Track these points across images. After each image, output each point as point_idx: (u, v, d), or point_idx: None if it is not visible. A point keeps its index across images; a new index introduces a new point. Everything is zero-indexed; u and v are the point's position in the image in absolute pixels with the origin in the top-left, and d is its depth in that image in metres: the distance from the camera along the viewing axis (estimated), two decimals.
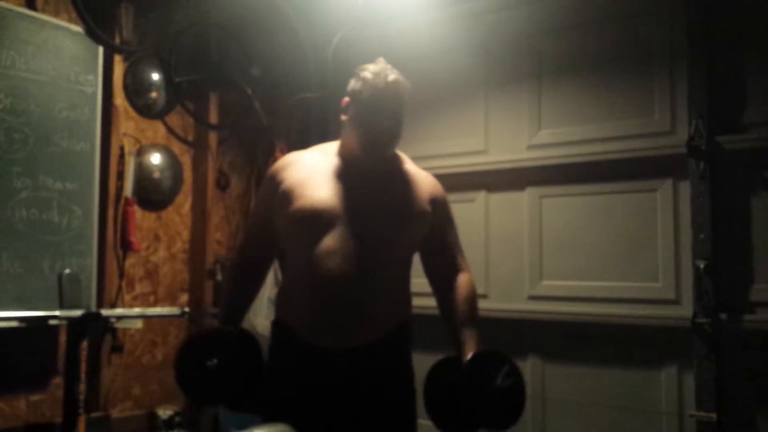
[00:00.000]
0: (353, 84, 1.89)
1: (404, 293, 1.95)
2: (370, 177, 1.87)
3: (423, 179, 1.98)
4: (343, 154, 1.92)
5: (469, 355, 1.79)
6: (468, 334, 1.86)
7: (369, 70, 1.86)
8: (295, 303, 1.86)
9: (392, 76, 1.84)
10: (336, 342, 1.80)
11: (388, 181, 1.90)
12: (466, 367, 1.77)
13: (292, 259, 1.91)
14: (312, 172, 1.89)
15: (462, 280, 1.96)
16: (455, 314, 1.91)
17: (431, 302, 1.97)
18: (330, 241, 1.78)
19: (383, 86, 1.83)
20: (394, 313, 1.89)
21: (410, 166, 2.00)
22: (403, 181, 1.92)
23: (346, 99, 1.91)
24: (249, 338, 1.93)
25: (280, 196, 1.87)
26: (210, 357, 1.80)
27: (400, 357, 1.94)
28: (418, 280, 2.01)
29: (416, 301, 2.02)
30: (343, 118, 1.91)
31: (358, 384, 1.83)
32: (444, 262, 1.98)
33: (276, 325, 1.96)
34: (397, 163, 1.97)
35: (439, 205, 1.96)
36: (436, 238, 1.95)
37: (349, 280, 1.76)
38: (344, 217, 1.80)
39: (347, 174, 1.88)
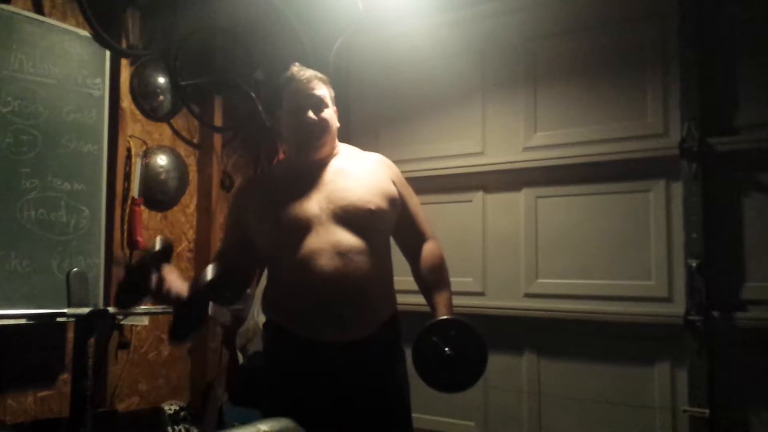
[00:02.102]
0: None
1: (390, 282, 1.99)
2: (330, 174, 1.93)
3: (378, 163, 2.03)
4: (296, 161, 1.99)
5: (430, 322, 1.86)
6: (437, 299, 1.93)
7: (285, 74, 1.96)
8: (287, 304, 1.89)
9: (306, 74, 1.93)
10: (332, 337, 1.83)
11: (348, 174, 1.94)
12: (421, 336, 1.84)
13: (276, 265, 1.94)
14: (277, 187, 1.96)
15: (426, 248, 2.02)
16: (424, 283, 1.98)
17: (418, 299, 2.02)
18: (311, 243, 1.82)
19: (298, 85, 1.92)
20: (385, 303, 1.94)
21: (359, 153, 2.05)
22: (361, 169, 1.96)
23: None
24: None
25: (251, 216, 1.94)
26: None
27: (394, 350, 1.98)
28: (404, 278, 2.06)
29: (403, 298, 2.07)
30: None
31: (354, 377, 1.86)
32: (411, 233, 2.03)
33: (268, 326, 2.00)
34: (347, 154, 2.03)
35: (398, 183, 2.01)
36: (402, 213, 2.00)
37: (337, 277, 1.80)
38: (318, 218, 1.84)
39: (309, 178, 1.92)
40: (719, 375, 2.80)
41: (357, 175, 1.94)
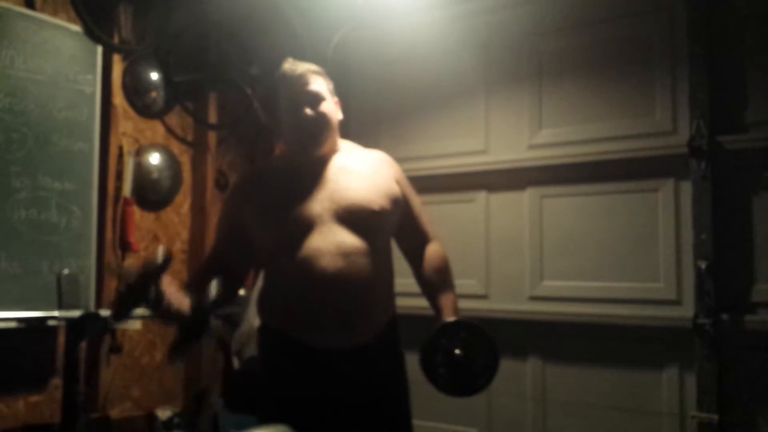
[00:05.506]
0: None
1: (391, 285, 1.95)
2: (332, 173, 1.88)
3: (381, 161, 1.99)
4: (296, 158, 1.93)
5: (440, 324, 1.81)
6: (442, 301, 1.88)
7: (278, 72, 1.90)
8: (286, 306, 1.85)
9: (299, 69, 1.88)
10: (332, 342, 1.80)
11: (351, 172, 1.90)
12: (431, 339, 1.78)
13: (275, 266, 1.89)
14: (276, 184, 1.90)
15: (430, 250, 1.97)
16: (428, 285, 1.93)
17: (418, 302, 1.98)
18: (313, 243, 1.78)
19: (292, 82, 1.86)
20: (386, 307, 1.91)
21: (362, 151, 2.02)
22: (365, 168, 1.93)
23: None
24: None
25: (249, 215, 1.88)
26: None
27: (394, 356, 1.95)
28: (404, 281, 2.01)
29: (404, 302, 2.03)
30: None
31: (354, 384, 1.83)
32: (413, 234, 1.99)
33: (265, 330, 1.95)
34: (349, 152, 1.99)
35: (401, 183, 1.97)
36: (405, 214, 1.96)
37: (340, 279, 1.76)
38: (321, 218, 1.80)
39: (310, 175, 1.88)
40: (729, 379, 2.77)
41: (360, 173, 1.90)
